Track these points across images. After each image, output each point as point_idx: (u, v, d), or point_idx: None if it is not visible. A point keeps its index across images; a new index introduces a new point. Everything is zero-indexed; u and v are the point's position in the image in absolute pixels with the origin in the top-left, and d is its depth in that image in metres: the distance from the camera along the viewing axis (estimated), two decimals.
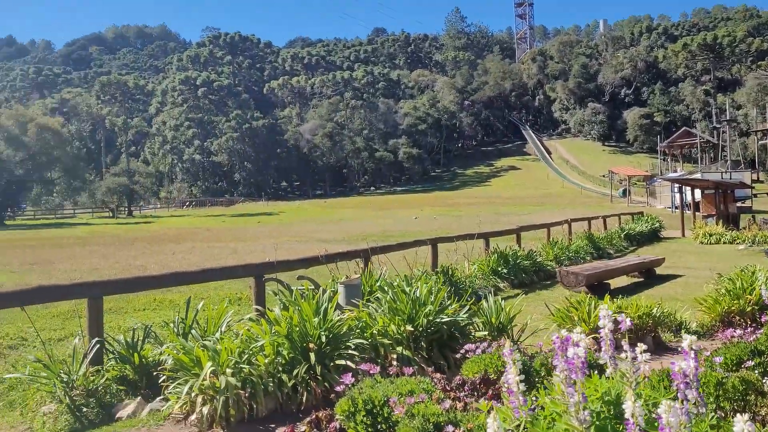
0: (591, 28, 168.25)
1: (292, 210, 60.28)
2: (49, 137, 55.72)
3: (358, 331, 5.55)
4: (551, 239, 16.67)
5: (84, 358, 5.51)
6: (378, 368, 3.64)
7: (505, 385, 2.22)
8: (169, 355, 5.49)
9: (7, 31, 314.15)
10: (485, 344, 4.24)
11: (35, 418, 5.17)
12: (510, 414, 2.17)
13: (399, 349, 5.48)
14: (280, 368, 5.02)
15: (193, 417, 4.75)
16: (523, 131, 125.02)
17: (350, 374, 3.52)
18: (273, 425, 4.73)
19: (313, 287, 6.75)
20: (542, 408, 2.20)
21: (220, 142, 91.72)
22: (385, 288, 6.30)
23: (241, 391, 4.70)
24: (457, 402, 3.09)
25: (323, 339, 5.20)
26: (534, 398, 2.31)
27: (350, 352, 5.20)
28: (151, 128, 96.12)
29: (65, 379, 5.29)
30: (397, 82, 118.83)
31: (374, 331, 5.61)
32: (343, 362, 5.08)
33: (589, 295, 6.98)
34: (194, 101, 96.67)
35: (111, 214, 65.96)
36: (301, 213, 54.73)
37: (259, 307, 6.64)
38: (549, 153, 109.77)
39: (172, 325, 6.46)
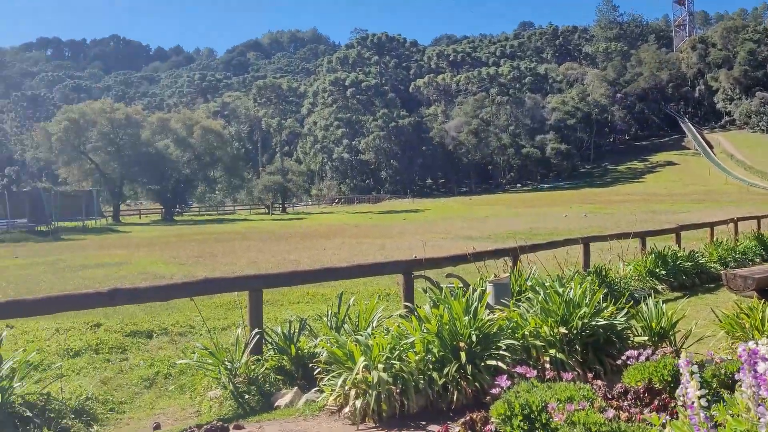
0: (759, 12, 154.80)
1: (437, 207, 60.53)
2: (212, 139, 59.67)
3: (509, 331, 5.43)
4: (714, 239, 15.51)
5: (245, 348, 5.82)
6: (534, 371, 3.53)
7: (680, 398, 2.06)
8: (323, 348, 5.67)
9: (176, 41, 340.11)
10: (648, 351, 3.99)
11: (203, 401, 5.54)
12: (688, 430, 2.01)
13: (552, 351, 5.30)
14: (431, 366, 5.02)
15: (346, 409, 4.86)
16: (681, 124, 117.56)
17: (505, 376, 3.44)
18: (424, 422, 4.74)
19: (462, 285, 6.70)
20: (722, 426, 2.01)
21: (368, 141, 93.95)
22: (537, 288, 6.12)
23: (393, 387, 4.74)
24: (620, 412, 2.93)
25: (474, 338, 5.14)
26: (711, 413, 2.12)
27: (501, 352, 5.10)
28: (302, 128, 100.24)
29: (229, 367, 5.62)
30: (545, 76, 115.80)
31: (525, 332, 5.47)
32: (493, 363, 4.99)
33: (762, 301, 6.41)
34: (343, 101, 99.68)
35: (267, 211, 69.55)
36: (446, 210, 54.81)
37: (409, 304, 6.70)
38: (710, 147, 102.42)
39: (325, 318, 6.68)
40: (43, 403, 4.85)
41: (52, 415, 4.84)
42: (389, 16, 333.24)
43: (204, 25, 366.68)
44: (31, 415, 4.63)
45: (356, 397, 4.81)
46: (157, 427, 5.05)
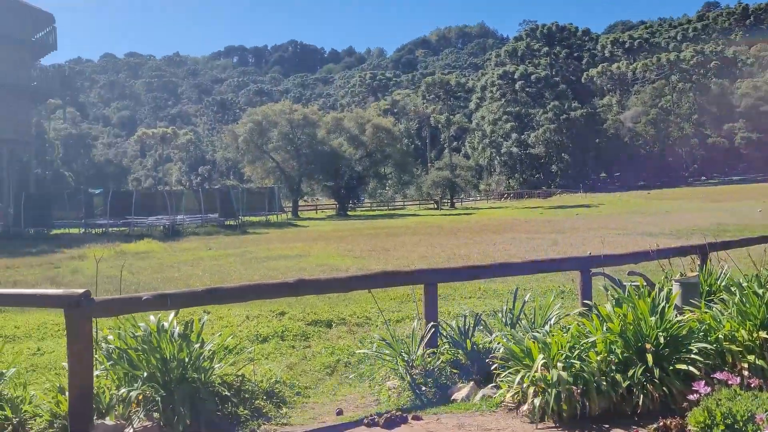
0: None
1: (612, 201, 57.80)
2: (383, 136, 61.31)
3: (700, 334, 5.07)
4: None
5: (421, 340, 5.93)
6: (737, 379, 3.26)
7: None
8: (499, 343, 5.63)
9: (348, 43, 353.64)
10: None
11: (381, 391, 5.71)
12: None
13: (751, 357, 4.87)
14: (613, 367, 4.81)
15: (524, 407, 4.79)
16: None
17: (703, 382, 3.21)
18: (606, 425, 4.56)
19: (646, 284, 6.36)
20: None
21: (537, 135, 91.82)
22: (732, 288, 5.65)
23: (573, 387, 4.60)
24: None
25: (661, 340, 4.86)
26: None
27: (692, 356, 4.77)
28: (470, 123, 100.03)
29: (406, 358, 5.75)
30: (733, 59, 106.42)
31: (719, 336, 5.07)
32: (684, 367, 4.69)
33: None
34: (512, 95, 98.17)
35: (435, 206, 70.25)
36: (622, 205, 52.20)
37: (588, 302, 6.47)
38: None
39: (499, 314, 6.62)
40: (238, 384, 5.25)
41: (246, 395, 5.23)
42: (559, 6, 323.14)
43: (374, 26, 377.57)
44: (229, 394, 5.03)
45: (535, 396, 4.73)
46: (340, 412, 5.28)
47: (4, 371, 5.14)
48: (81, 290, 4.44)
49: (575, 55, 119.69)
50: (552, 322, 5.97)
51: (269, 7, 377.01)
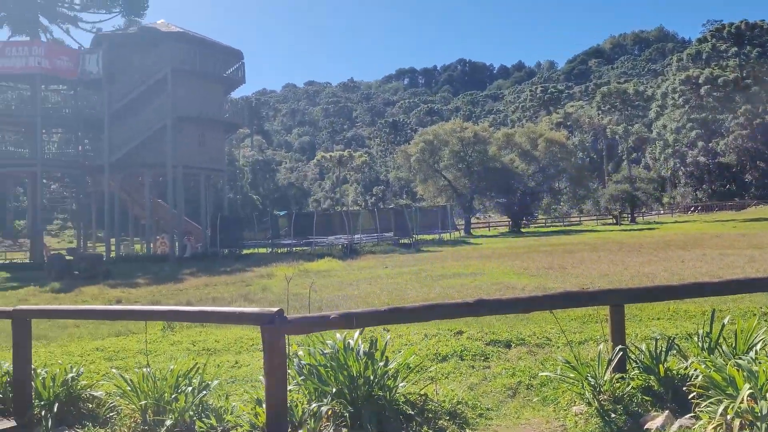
0: None
1: None
2: (556, 150, 59.78)
3: None
4: None
5: (608, 364, 5.64)
6: None
7: None
8: (696, 370, 5.23)
9: (517, 58, 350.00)
10: None
11: (567, 416, 5.50)
12: None
13: None
14: None
15: None
16: None
17: None
18: None
19: None
20: None
21: (727, 142, 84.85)
22: None
23: None
24: None
25: None
26: None
27: None
28: (650, 133, 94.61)
29: (592, 383, 5.49)
30: None
31: None
32: None
33: None
34: (696, 100, 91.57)
35: (614, 221, 67.14)
36: None
37: None
38: None
39: (695, 338, 6.16)
40: (421, 403, 5.31)
41: (429, 415, 5.27)
42: (746, 3, 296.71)
43: (544, 39, 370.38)
44: (413, 413, 5.10)
45: (741, 429, 4.32)
46: None
47: (209, 382, 5.59)
48: (275, 309, 4.73)
49: None
50: (758, 348, 5.44)
51: (437, 28, 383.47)
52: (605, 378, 5.52)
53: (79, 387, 6.08)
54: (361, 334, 5.45)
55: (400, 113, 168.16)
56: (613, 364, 5.61)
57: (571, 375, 5.74)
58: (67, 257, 29.20)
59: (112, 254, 39.70)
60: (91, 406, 6.05)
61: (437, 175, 61.17)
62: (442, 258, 27.49)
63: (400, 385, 5.23)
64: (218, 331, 10.61)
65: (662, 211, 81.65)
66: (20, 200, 72.00)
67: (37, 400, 5.89)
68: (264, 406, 4.74)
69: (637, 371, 5.77)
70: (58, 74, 39.08)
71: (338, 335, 5.38)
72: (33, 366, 6.23)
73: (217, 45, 43.09)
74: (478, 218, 76.14)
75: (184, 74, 39.24)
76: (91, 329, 12.05)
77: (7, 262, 41.96)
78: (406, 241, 39.03)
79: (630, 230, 48.18)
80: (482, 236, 51.64)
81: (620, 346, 5.74)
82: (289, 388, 4.97)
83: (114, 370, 6.50)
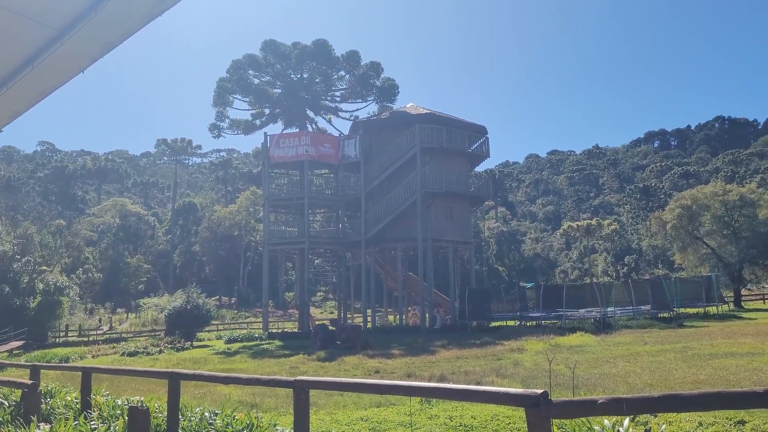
0: None
1: None
2: None
3: None
4: None
5: None
6: None
7: None
8: None
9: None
10: None
11: None
12: None
13: None
14: None
15: None
16: None
17: None
18: None
19: None
20: None
21: None
22: None
23: None
24: None
25: None
26: None
27: None
28: None
29: None
30: None
31: None
32: None
33: None
34: None
35: None
36: None
37: None
38: None
39: None
40: None
41: None
42: None
43: None
44: None
45: None
46: None
47: None
48: (540, 391, 4.65)
49: None
50: None
51: (688, 86, 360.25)
52: None
53: None
54: (632, 420, 5.13)
55: (651, 178, 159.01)
56: None
57: None
58: (330, 328, 31.48)
59: (369, 325, 42.01)
60: None
61: (698, 243, 56.32)
62: (709, 334, 24.98)
63: None
64: (474, 407, 10.64)
65: None
66: (289, 274, 79.82)
67: None
68: None
69: None
70: (322, 160, 43.39)
71: (606, 421, 5.12)
72: None
73: (462, 122, 44.82)
74: (749, 290, 68.26)
75: (432, 152, 41.25)
76: (354, 398, 12.77)
77: (280, 331, 46.41)
78: (665, 314, 36.17)
79: None
80: (756, 310, 46.10)
81: None
82: None
83: None
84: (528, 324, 36.12)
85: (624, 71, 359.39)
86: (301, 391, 6.76)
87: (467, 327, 36.74)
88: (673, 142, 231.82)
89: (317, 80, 46.39)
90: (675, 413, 8.66)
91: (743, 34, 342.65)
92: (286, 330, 47.69)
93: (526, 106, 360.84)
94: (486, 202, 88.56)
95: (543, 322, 35.80)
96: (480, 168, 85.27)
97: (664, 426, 5.23)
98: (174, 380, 8.92)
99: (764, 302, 58.36)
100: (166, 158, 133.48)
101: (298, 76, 46.30)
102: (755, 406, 6.04)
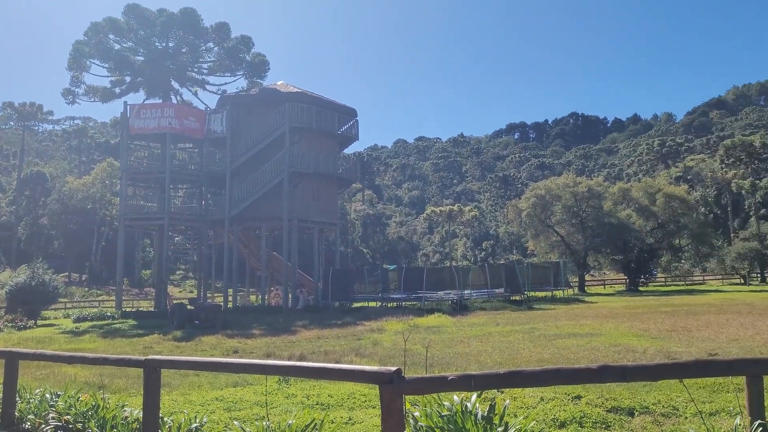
0: None
1: None
2: (676, 205, 57.20)
3: None
4: None
5: None
6: None
7: None
8: None
9: (632, 111, 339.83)
10: None
11: None
12: None
13: None
14: None
15: None
16: None
17: None
18: None
19: None
20: None
21: None
22: None
23: None
24: None
25: None
26: None
27: None
28: None
29: None
30: None
31: None
32: None
33: None
34: None
35: (742, 281, 63.00)
36: None
37: None
38: None
39: None
40: None
41: None
42: None
43: (660, 91, 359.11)
44: None
45: None
46: None
47: None
48: (393, 368, 4.73)
49: None
50: None
51: (548, 83, 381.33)
52: None
53: None
54: (479, 396, 5.35)
55: (511, 167, 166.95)
56: None
57: None
58: (189, 307, 30.56)
59: (230, 304, 41.21)
60: None
61: (549, 231, 59.88)
62: (555, 316, 26.66)
63: None
64: (331, 386, 10.71)
65: None
66: (147, 251, 76.59)
67: None
68: None
69: None
70: (186, 133, 41.75)
71: (455, 397, 5.30)
72: (160, 414, 6.50)
73: (333, 103, 44.74)
74: (592, 276, 73.56)
75: (301, 132, 40.92)
76: (210, 378, 12.48)
77: (135, 309, 44.45)
78: (517, 297, 38.23)
79: (761, 291, 45.03)
80: (597, 294, 49.77)
81: (759, 421, 5.31)
82: None
83: (235, 422, 6.68)
84: (389, 305, 36.91)
85: (490, 65, 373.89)
86: (152, 371, 6.49)
87: (330, 307, 36.97)
88: (532, 135, 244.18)
89: (184, 50, 44.52)
90: (519, 389, 9.17)
91: (601, 38, 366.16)
92: (141, 309, 45.79)
93: (397, 91, 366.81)
94: (353, 185, 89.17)
95: (403, 303, 36.72)
96: (349, 150, 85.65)
97: (508, 401, 5.49)
98: (11, 360, 8.33)
99: (604, 287, 63.17)
100: (12, 123, 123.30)
101: (164, 44, 44.22)
102: (590, 382, 6.49)
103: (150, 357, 6.54)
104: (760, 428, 5.28)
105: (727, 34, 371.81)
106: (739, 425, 5.46)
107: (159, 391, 6.44)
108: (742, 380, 5.75)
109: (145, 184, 46.18)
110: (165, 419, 6.55)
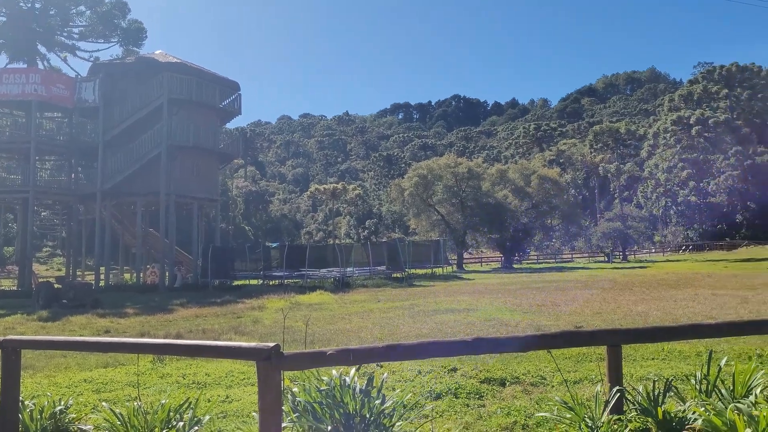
0: None
1: None
2: (548, 187, 60.14)
3: None
4: None
5: (605, 406, 5.58)
6: None
7: None
8: (695, 413, 5.18)
9: (511, 95, 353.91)
10: None
11: None
12: None
13: None
14: None
15: None
16: None
17: None
18: None
19: None
20: None
21: (718, 182, 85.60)
22: None
23: None
24: None
25: None
26: None
27: None
28: (642, 172, 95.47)
29: (590, 424, 5.43)
30: None
31: None
32: None
33: None
34: (688, 141, 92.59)
35: (606, 259, 67.28)
36: None
37: None
38: None
39: (692, 380, 6.12)
40: None
41: None
42: (738, 46, 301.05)
43: (537, 77, 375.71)
44: None
45: None
46: None
47: (201, 417, 5.49)
48: (271, 344, 4.66)
49: (759, 95, 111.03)
50: (757, 391, 5.41)
51: (432, 64, 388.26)
52: (603, 420, 5.45)
53: (67, 420, 5.96)
54: (357, 370, 5.38)
55: (395, 147, 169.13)
56: (611, 405, 5.55)
57: (568, 416, 5.68)
58: (56, 285, 28.86)
59: (102, 283, 39.32)
60: None
61: (430, 210, 61.26)
62: (434, 293, 27.38)
63: (397, 424, 5.15)
64: (209, 365, 10.48)
65: (653, 250, 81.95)
66: (10, 227, 71.56)
67: None
68: None
69: (634, 413, 5.71)
70: (54, 102, 39.11)
71: (334, 371, 5.31)
72: (21, 397, 6.11)
73: (214, 76, 43.35)
74: (470, 253, 76.07)
75: (181, 104, 39.38)
76: (79, 359, 11.87)
77: None
78: (398, 275, 38.92)
79: (621, 268, 48.25)
80: (474, 271, 51.55)
81: (617, 387, 5.69)
82: (283, 425, 4.88)
83: (104, 404, 6.39)
84: (271, 283, 36.54)
85: (376, 44, 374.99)
86: (11, 352, 6.05)
87: (209, 286, 36.09)
88: (415, 115, 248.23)
89: (52, 12, 41.65)
90: (398, 363, 9.35)
91: (484, 23, 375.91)
92: (3, 288, 42.82)
93: (281, 67, 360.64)
94: (235, 160, 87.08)
95: (286, 281, 36.47)
96: (231, 125, 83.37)
97: (386, 374, 5.57)
98: None
99: (482, 265, 65.54)
100: None
101: (29, 5, 41.13)
102: (464, 353, 6.72)
103: (8, 337, 6.10)
104: (618, 393, 5.65)
105: (600, 23, 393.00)
106: (600, 391, 5.81)
107: (19, 374, 6.03)
108: (603, 350, 6.14)
109: (7, 155, 42.93)
110: (26, 403, 6.16)
